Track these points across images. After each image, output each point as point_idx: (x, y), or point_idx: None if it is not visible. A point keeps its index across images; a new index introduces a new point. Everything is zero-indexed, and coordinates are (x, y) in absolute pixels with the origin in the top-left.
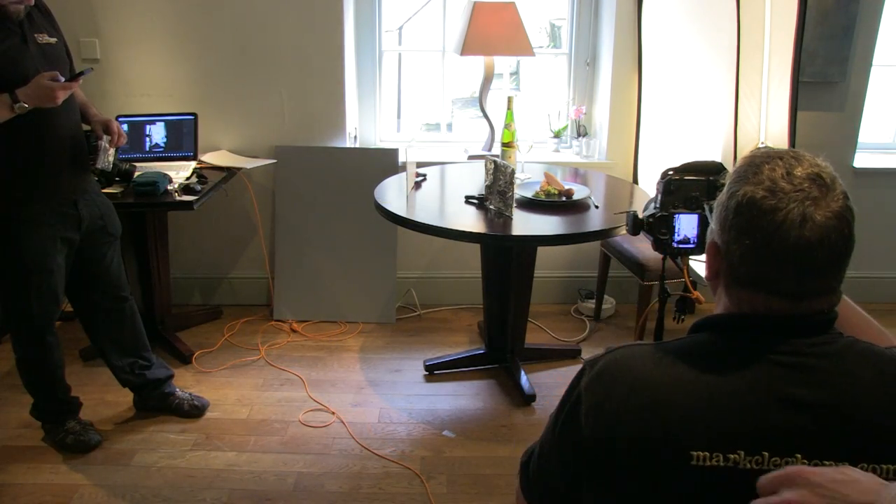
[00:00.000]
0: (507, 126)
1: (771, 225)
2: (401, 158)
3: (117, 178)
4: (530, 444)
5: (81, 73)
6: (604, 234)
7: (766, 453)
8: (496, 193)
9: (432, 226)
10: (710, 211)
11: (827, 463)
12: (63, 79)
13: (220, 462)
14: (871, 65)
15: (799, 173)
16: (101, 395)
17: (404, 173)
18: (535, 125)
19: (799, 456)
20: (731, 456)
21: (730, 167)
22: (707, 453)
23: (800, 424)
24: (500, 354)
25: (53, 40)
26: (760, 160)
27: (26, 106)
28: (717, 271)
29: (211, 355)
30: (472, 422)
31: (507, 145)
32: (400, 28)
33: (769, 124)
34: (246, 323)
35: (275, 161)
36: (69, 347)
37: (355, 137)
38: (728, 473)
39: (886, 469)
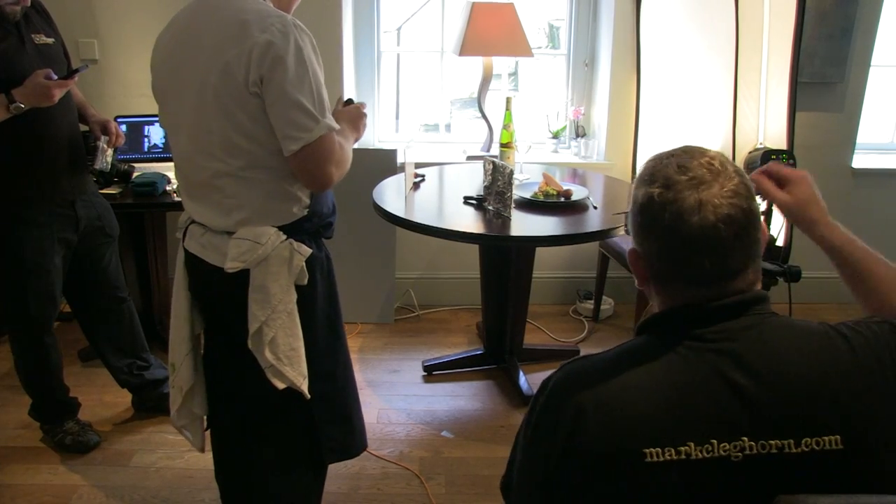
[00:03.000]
0: (506, 127)
1: (671, 216)
2: (399, 159)
3: (116, 179)
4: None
5: (77, 71)
6: (602, 235)
7: (714, 441)
8: (495, 194)
9: (431, 226)
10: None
11: (773, 442)
12: (57, 77)
13: None
14: (869, 65)
15: (693, 164)
16: (100, 396)
17: (403, 174)
18: (533, 126)
19: (745, 439)
20: (682, 448)
21: None
22: (659, 449)
23: (741, 408)
24: (498, 355)
25: (51, 41)
26: (654, 162)
27: (23, 106)
28: (644, 276)
29: None
30: (470, 422)
31: (505, 146)
32: (398, 28)
33: (768, 125)
34: None
35: None
36: (68, 348)
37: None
38: (682, 466)
39: (830, 440)
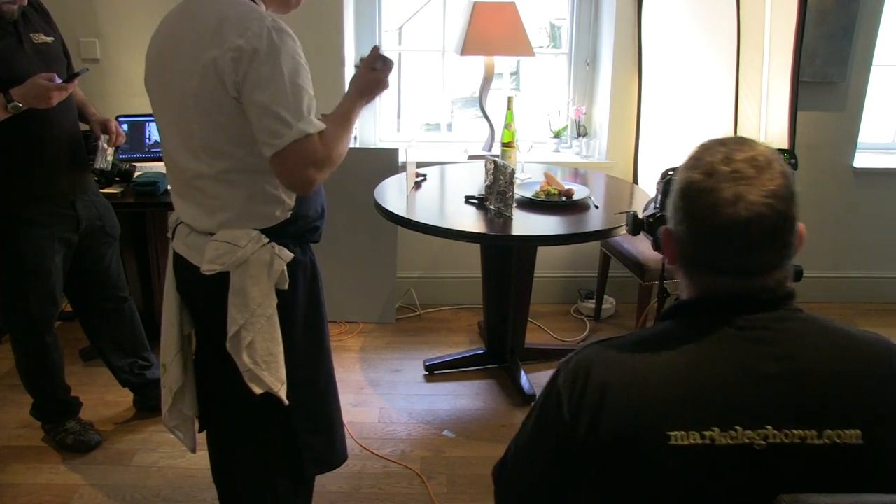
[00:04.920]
0: (507, 126)
1: (707, 205)
2: (401, 158)
3: (117, 178)
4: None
5: (77, 74)
6: (604, 234)
7: (738, 427)
8: (496, 193)
9: (432, 226)
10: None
11: (796, 432)
12: (59, 79)
13: None
14: (871, 64)
15: (739, 157)
16: (101, 396)
17: (404, 173)
18: (535, 125)
19: (769, 427)
20: (707, 433)
21: None
22: (684, 432)
23: (767, 397)
24: (500, 354)
25: (50, 40)
26: (704, 147)
27: (20, 106)
28: (673, 255)
29: None
30: (472, 422)
31: (507, 145)
32: (400, 28)
33: (769, 124)
34: None
35: None
36: (69, 347)
37: (355, 137)
38: (706, 451)
39: (850, 434)
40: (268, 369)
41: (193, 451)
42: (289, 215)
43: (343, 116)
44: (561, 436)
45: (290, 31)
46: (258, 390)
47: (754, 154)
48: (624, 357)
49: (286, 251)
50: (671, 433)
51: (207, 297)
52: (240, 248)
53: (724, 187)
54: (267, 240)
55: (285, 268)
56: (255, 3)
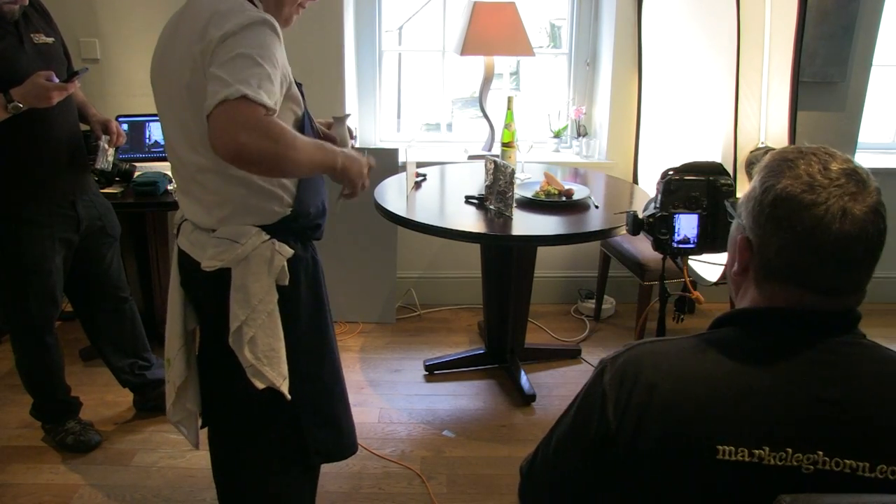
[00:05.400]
0: (507, 126)
1: (812, 218)
2: (401, 158)
3: (117, 179)
4: (528, 445)
5: (76, 74)
6: (604, 234)
7: (789, 449)
8: (496, 193)
9: (432, 226)
10: (732, 207)
11: (847, 462)
12: (58, 79)
13: None
14: (871, 65)
15: (835, 168)
16: (102, 396)
17: (404, 173)
18: (535, 125)
19: (821, 453)
20: (757, 451)
21: (729, 167)
22: (733, 448)
23: (823, 421)
24: (500, 354)
25: (50, 40)
26: (794, 155)
27: (20, 106)
28: (746, 266)
29: None
30: (472, 422)
31: (507, 145)
32: (400, 28)
33: (769, 124)
34: None
35: None
36: (69, 347)
37: (355, 137)
38: (753, 469)
39: None
40: (269, 364)
41: (196, 446)
42: (288, 212)
43: (318, 144)
44: (601, 435)
45: (276, 28)
46: (260, 385)
47: (852, 167)
48: (678, 359)
49: (286, 247)
50: (720, 447)
51: (210, 293)
52: (240, 244)
53: (830, 202)
54: (267, 236)
55: (286, 264)
56: (252, 3)
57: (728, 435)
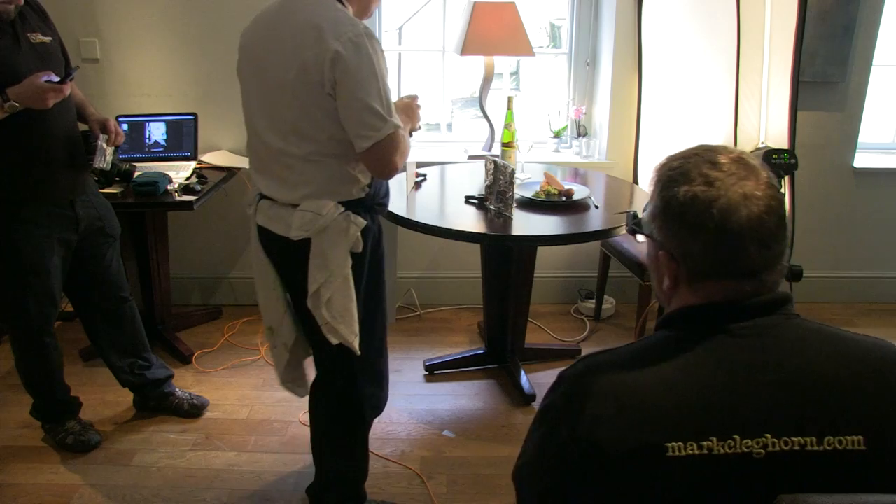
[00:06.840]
0: (507, 126)
1: (720, 211)
2: None
3: (117, 178)
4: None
5: (68, 75)
6: (604, 234)
7: (736, 437)
8: (496, 193)
9: (432, 226)
10: (637, 226)
11: (795, 440)
12: (57, 79)
13: (221, 462)
14: (871, 64)
15: (723, 160)
16: (101, 395)
17: (404, 173)
18: (535, 125)
19: (768, 436)
20: (705, 443)
21: None
22: (681, 443)
23: (765, 404)
24: (500, 354)
25: (48, 39)
26: (679, 163)
27: (17, 105)
28: (675, 277)
29: (211, 355)
30: (472, 422)
31: (507, 145)
32: (400, 28)
33: (769, 124)
34: (246, 323)
35: None
36: (69, 347)
37: None
38: (704, 462)
39: (852, 440)
40: (344, 323)
41: (307, 395)
42: (363, 194)
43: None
44: (561, 448)
45: (374, 36)
46: (335, 341)
47: (735, 154)
48: (622, 369)
49: (360, 219)
50: (669, 445)
51: (289, 260)
52: (322, 216)
53: (731, 191)
54: (343, 209)
55: (360, 234)
56: (342, 5)
57: (675, 432)
